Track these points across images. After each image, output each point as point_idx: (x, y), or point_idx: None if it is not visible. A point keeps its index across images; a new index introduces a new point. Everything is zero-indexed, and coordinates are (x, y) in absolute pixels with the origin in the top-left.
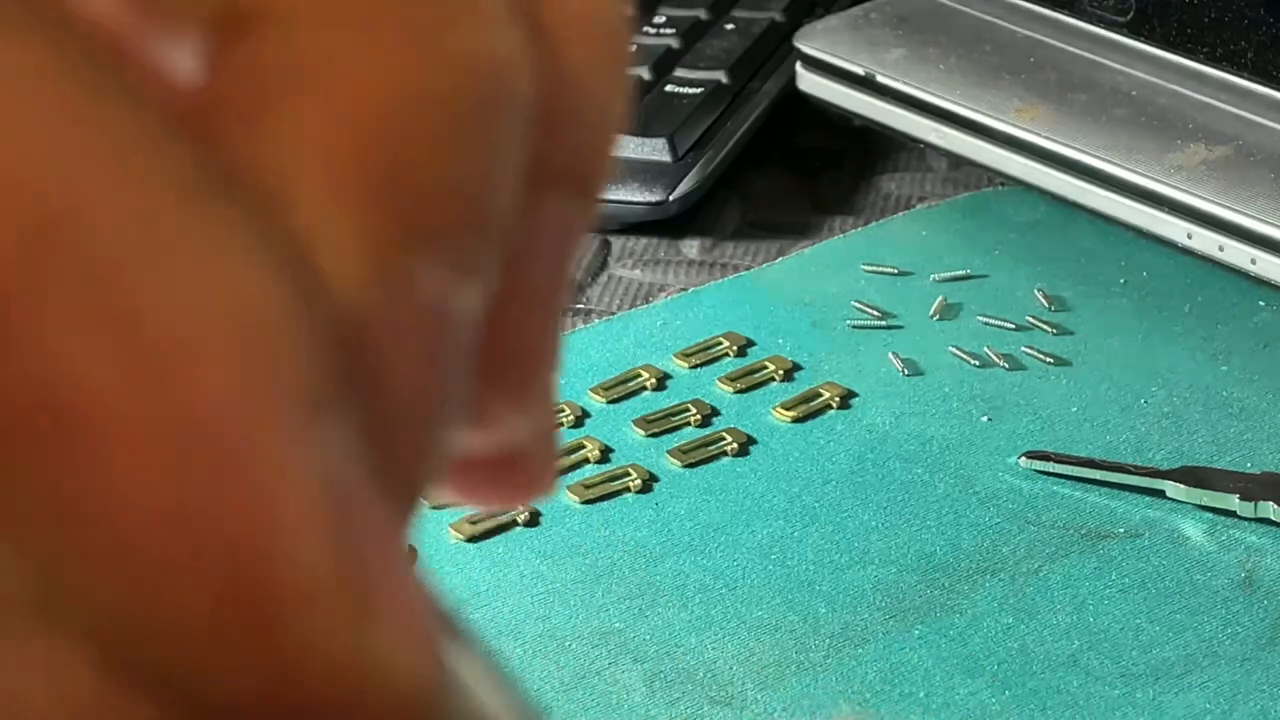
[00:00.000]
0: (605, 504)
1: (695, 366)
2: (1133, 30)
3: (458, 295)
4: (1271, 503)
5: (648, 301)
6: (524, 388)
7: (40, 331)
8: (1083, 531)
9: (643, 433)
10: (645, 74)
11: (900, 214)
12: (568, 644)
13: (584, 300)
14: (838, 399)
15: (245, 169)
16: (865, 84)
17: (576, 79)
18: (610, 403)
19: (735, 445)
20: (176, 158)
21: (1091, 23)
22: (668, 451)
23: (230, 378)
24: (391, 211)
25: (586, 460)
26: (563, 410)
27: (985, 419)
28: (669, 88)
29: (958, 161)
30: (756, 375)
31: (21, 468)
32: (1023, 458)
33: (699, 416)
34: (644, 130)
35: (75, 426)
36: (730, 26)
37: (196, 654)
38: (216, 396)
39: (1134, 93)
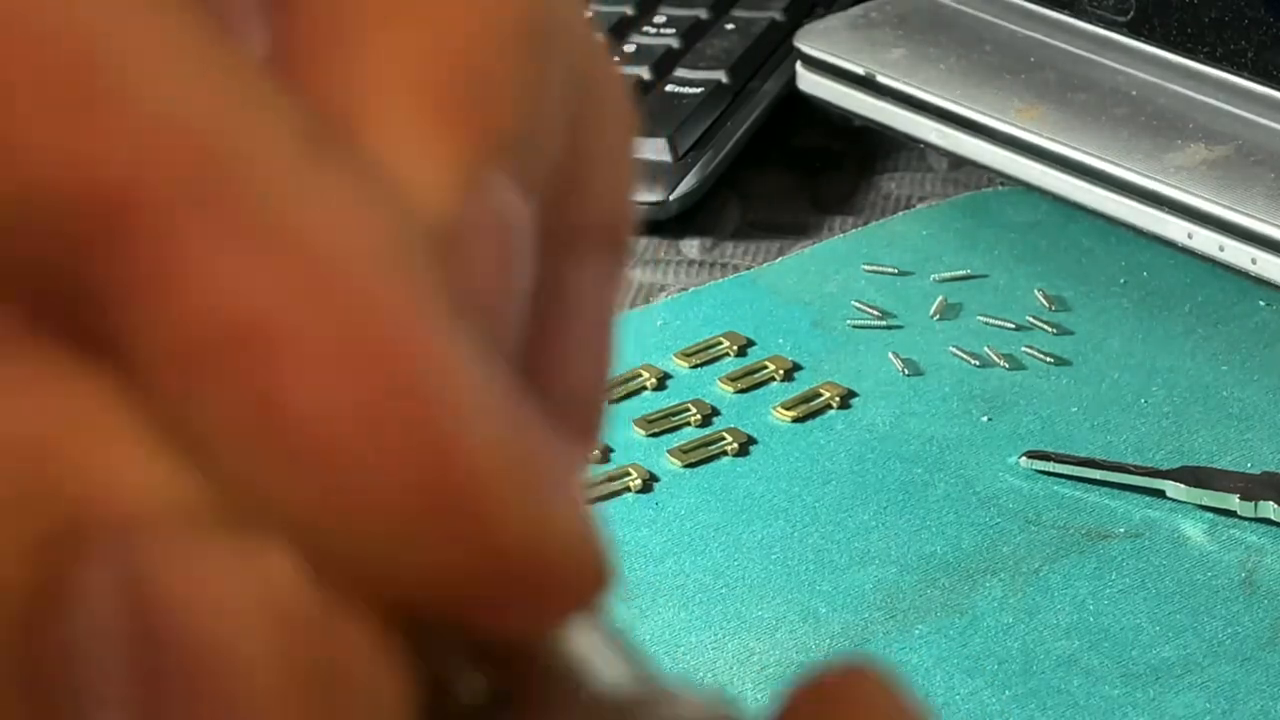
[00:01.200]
0: (606, 503)
1: (695, 366)
2: (1133, 30)
3: (519, 209)
4: (1272, 502)
5: (648, 301)
6: (583, 435)
7: (214, 263)
8: (1083, 531)
9: (643, 432)
10: (645, 74)
11: (900, 214)
12: None
13: None
14: (838, 399)
15: (325, 99)
16: (865, 84)
17: (607, 149)
18: (610, 402)
19: (735, 445)
20: (288, 107)
21: (1091, 23)
22: (668, 451)
23: (390, 283)
24: (473, 128)
25: None
26: None
27: (985, 419)
28: (669, 88)
29: (958, 161)
30: (756, 375)
31: (201, 391)
32: (1023, 458)
33: (699, 416)
34: (644, 130)
35: (254, 346)
36: (730, 26)
37: (394, 545)
38: (383, 301)
39: (1134, 93)
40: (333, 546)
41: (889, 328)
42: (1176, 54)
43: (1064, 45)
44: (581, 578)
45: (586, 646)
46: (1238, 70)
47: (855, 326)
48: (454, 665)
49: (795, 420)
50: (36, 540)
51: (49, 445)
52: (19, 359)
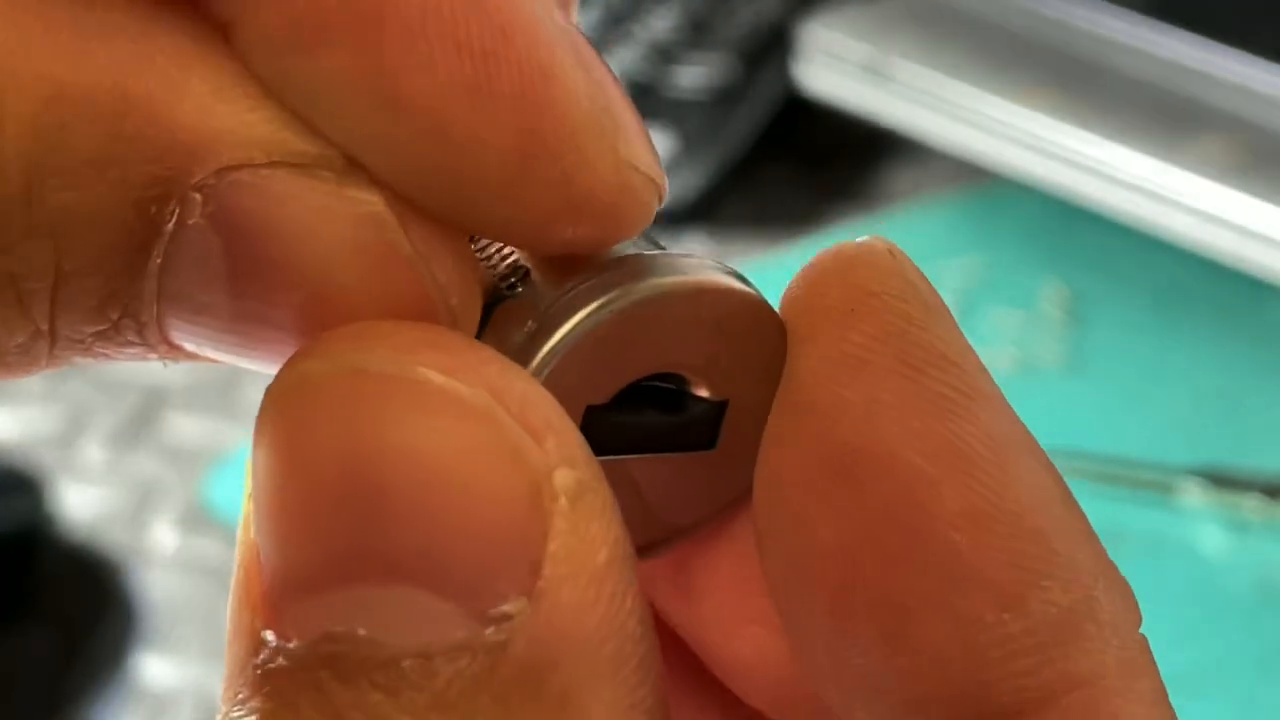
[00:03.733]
0: None
1: None
2: (1148, 14)
3: None
4: None
5: None
6: None
7: None
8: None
9: None
10: (650, 70)
11: (906, 207)
12: None
13: None
14: None
15: None
16: (869, 77)
17: None
18: None
19: None
20: None
21: (1107, 11)
22: None
23: None
24: None
25: None
26: None
27: None
28: (674, 84)
29: (963, 155)
30: None
31: (311, 67)
32: None
33: None
34: (650, 126)
35: (365, 24)
36: (733, 22)
37: (494, 191)
38: None
39: (1149, 83)
40: (433, 195)
41: None
42: (1194, 39)
43: (1074, 34)
44: (647, 211)
45: None
46: (1258, 55)
47: None
48: (498, 259)
49: None
50: (134, 188)
51: (134, 96)
52: (108, 6)
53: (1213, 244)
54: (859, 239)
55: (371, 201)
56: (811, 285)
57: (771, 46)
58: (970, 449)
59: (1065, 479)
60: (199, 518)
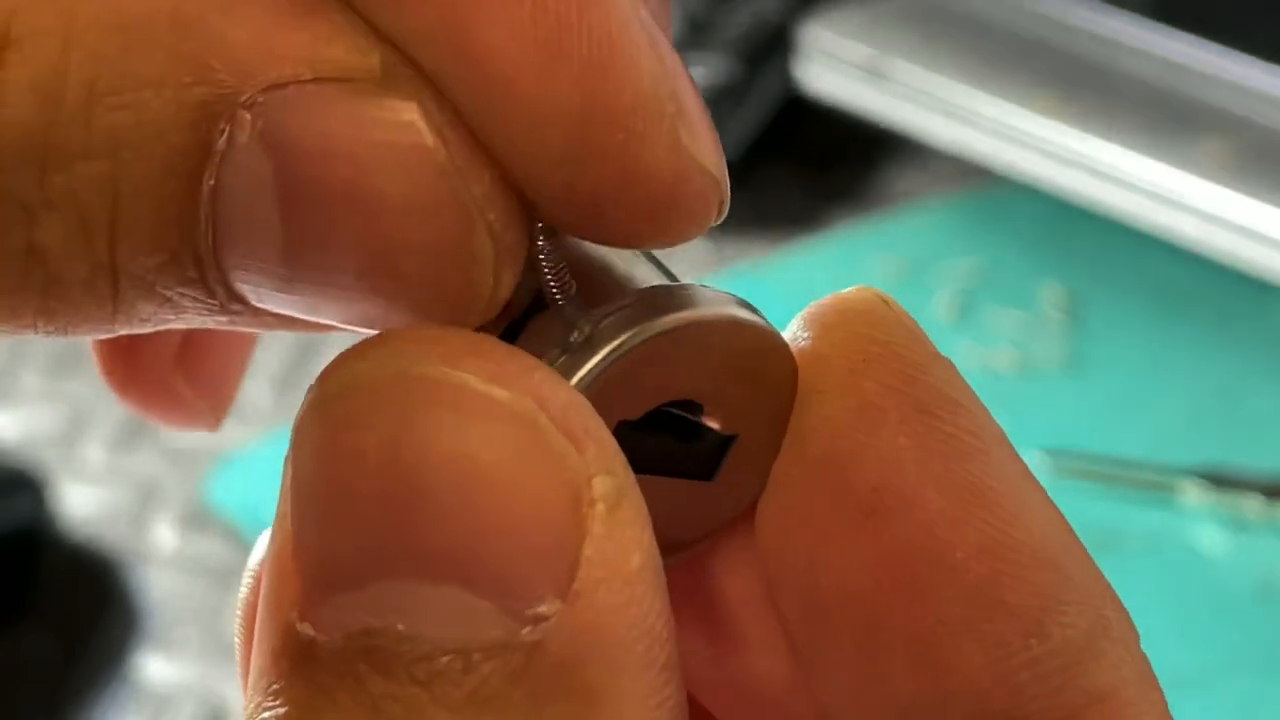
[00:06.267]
0: None
1: None
2: (1149, 15)
3: None
4: None
5: None
6: None
7: None
8: (1096, 535)
9: None
10: None
11: (906, 208)
12: None
13: None
14: None
15: None
16: (869, 78)
17: None
18: None
19: None
20: None
21: (1107, 12)
22: None
23: None
24: None
25: None
26: None
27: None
28: None
29: (963, 156)
30: None
31: (417, 14)
32: (1033, 459)
33: None
34: None
35: None
36: (733, 22)
37: (552, 146)
38: None
39: (1151, 84)
40: (500, 143)
41: None
42: (1197, 41)
43: (1076, 35)
44: (706, 208)
45: (629, 258)
46: (1261, 58)
47: None
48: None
49: None
50: (188, 107)
51: (191, 20)
52: None
53: (1213, 244)
54: (851, 289)
55: (407, 109)
56: (818, 338)
57: (771, 46)
58: (986, 486)
59: (1066, 479)
60: (199, 518)
